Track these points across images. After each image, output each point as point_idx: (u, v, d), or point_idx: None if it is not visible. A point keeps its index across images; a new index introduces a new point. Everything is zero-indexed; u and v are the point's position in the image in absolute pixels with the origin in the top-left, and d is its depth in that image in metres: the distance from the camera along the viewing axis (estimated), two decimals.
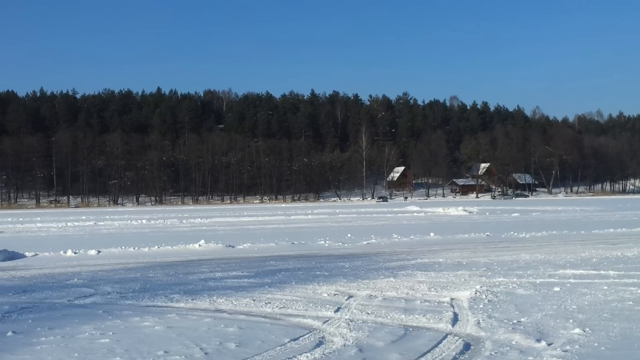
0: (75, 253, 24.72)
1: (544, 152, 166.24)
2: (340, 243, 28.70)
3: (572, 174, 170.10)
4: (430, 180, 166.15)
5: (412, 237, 31.37)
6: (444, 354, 8.63)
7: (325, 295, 13.58)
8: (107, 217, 68.43)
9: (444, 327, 10.28)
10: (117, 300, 13.46)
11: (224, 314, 11.71)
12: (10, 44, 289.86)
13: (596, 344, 8.96)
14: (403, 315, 11.21)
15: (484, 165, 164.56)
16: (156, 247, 26.80)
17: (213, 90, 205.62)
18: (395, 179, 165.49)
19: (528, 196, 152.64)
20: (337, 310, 11.76)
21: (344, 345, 9.13)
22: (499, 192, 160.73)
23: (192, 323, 10.91)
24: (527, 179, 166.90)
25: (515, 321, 10.56)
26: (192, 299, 13.32)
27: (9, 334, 10.24)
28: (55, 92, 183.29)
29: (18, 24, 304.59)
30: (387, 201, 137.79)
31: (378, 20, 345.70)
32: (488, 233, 33.29)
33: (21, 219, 65.86)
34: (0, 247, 24.87)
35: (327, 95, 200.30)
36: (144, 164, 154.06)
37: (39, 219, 66.33)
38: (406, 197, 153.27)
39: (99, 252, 25.14)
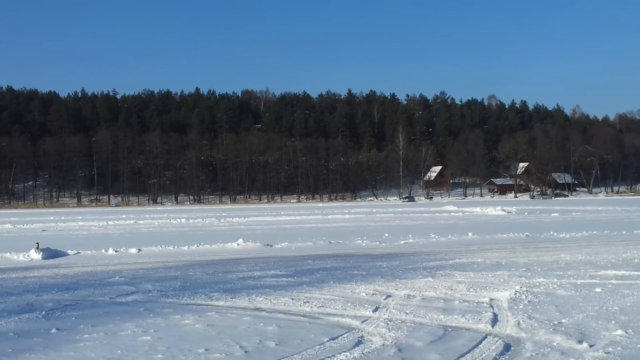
0: (116, 251, 25.09)
1: (584, 151, 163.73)
2: (377, 242, 28.67)
3: (612, 174, 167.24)
4: (467, 180, 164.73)
5: (450, 236, 31.17)
6: (484, 355, 8.59)
7: (364, 294, 13.60)
8: (147, 215, 69.25)
9: (484, 327, 10.23)
10: (158, 298, 13.65)
11: (263, 313, 11.81)
12: (53, 45, 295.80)
13: (639, 346, 8.84)
14: (442, 316, 11.18)
15: (522, 165, 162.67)
16: (195, 245, 27.07)
17: (250, 90, 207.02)
18: (432, 178, 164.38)
19: (568, 196, 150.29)
20: (375, 310, 11.78)
21: (383, 344, 9.15)
22: (537, 191, 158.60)
23: (231, 321, 11.03)
24: (567, 178, 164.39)
25: (556, 322, 10.47)
26: (231, 298, 13.44)
27: (53, 330, 10.47)
28: (96, 93, 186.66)
29: (60, 26, 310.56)
30: (414, 201, 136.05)
31: (415, 20, 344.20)
32: (527, 233, 32.93)
33: (63, 218, 66.95)
34: (44, 245, 25.35)
35: (364, 94, 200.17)
36: (182, 163, 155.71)
37: (80, 217, 67.37)
38: (431, 197, 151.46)
39: (139, 250, 25.48)
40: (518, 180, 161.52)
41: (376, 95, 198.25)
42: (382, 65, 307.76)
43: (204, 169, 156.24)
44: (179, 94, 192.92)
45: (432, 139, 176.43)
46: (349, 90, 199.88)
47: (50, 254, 24.04)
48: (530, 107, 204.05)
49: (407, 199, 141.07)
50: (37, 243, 25.19)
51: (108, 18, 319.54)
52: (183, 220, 55.71)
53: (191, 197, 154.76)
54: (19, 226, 50.11)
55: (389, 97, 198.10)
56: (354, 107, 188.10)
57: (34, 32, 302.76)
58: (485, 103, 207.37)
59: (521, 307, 11.86)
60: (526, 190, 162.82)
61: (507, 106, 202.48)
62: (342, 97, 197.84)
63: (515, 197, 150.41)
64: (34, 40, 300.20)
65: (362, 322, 10.76)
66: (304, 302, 12.68)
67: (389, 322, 10.66)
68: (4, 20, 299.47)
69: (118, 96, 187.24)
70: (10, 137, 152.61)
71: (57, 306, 12.89)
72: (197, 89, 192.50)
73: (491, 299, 12.74)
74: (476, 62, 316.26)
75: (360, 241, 29.20)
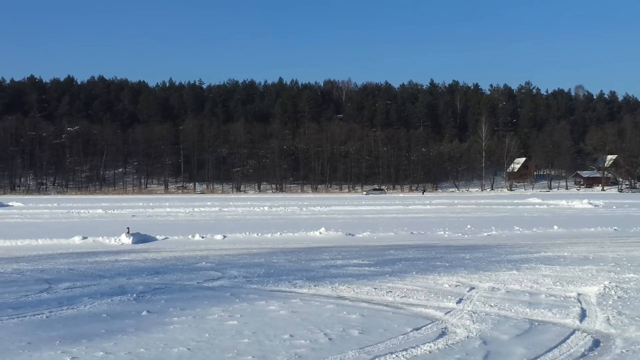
0: (202, 237, 25.73)
1: None
2: (459, 234, 28.38)
3: None
4: (552, 172, 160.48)
5: (534, 229, 30.56)
6: (572, 350, 8.44)
7: (447, 286, 13.52)
8: (231, 203, 70.53)
9: (571, 322, 10.04)
10: (243, 284, 13.93)
11: (346, 301, 11.90)
12: (143, 37, 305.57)
13: None
14: (527, 309, 11.02)
15: (610, 157, 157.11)
16: (278, 233, 27.45)
17: (333, 80, 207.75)
18: (515, 170, 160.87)
19: None
20: (459, 302, 11.70)
21: (467, 336, 9.09)
22: (626, 185, 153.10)
23: (315, 309, 11.16)
24: None
25: None
26: (314, 285, 13.59)
27: (144, 313, 10.85)
28: (183, 82, 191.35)
29: (149, 18, 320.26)
30: (385, 193, 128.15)
31: (500, 8, 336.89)
32: (615, 227, 31.94)
33: (151, 204, 68.94)
34: (133, 230, 26.21)
35: (446, 84, 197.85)
36: (265, 152, 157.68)
37: (167, 204, 69.21)
38: (424, 191, 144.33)
39: (224, 237, 26.04)
40: (606, 173, 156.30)
41: (459, 86, 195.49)
42: (465, 55, 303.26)
43: (286, 158, 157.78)
44: (262, 84, 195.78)
45: (516, 130, 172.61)
46: (431, 81, 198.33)
47: (140, 238, 24.85)
48: (620, 98, 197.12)
49: (375, 191, 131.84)
50: (128, 228, 26.09)
51: (195, 11, 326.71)
52: (266, 208, 56.50)
53: (273, 186, 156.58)
54: (110, 211, 51.98)
55: (472, 87, 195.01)
56: (436, 97, 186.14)
57: (123, 25, 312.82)
58: (572, 93, 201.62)
59: (610, 302, 11.56)
60: (614, 183, 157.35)
61: (595, 97, 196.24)
62: (424, 87, 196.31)
63: (603, 190, 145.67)
64: (124, 32, 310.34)
65: (446, 313, 10.72)
66: (387, 292, 12.70)
67: (473, 314, 10.58)
68: (98, 15, 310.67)
69: (204, 86, 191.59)
70: (101, 125, 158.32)
71: (147, 289, 13.33)
72: (280, 79, 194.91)
73: (579, 294, 12.47)
74: (563, 51, 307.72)
75: (442, 232, 28.98)
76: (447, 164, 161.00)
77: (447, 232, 28.91)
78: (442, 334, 9.27)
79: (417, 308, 11.22)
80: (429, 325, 9.78)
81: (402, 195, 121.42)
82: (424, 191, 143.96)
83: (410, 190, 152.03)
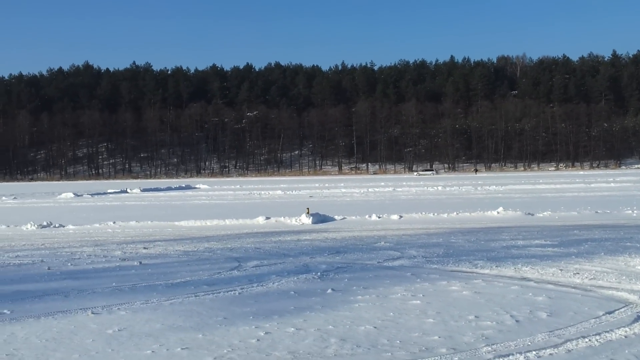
0: (379, 217, 25.99)
1: None
2: None
3: None
4: None
5: None
6: None
7: (639, 268, 12.79)
8: (404, 183, 70.72)
9: None
10: (423, 264, 13.95)
11: (531, 283, 11.58)
12: (317, 24, 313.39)
13: None
14: None
15: None
16: (454, 213, 27.14)
17: (506, 56, 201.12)
18: None
19: None
20: None
21: None
22: None
23: (499, 290, 10.96)
24: None
25: None
26: (496, 266, 13.34)
27: (329, 291, 11.16)
28: (355, 65, 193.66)
29: (324, 7, 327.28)
30: (437, 174, 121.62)
31: None
32: None
33: (327, 185, 70.68)
34: (313, 210, 27.00)
35: (630, 55, 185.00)
36: (437, 131, 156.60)
37: (342, 184, 70.64)
38: (476, 171, 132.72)
39: (400, 217, 26.15)
40: None
41: None
42: None
43: (459, 137, 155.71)
44: (433, 63, 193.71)
45: None
46: (614, 52, 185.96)
47: (319, 218, 25.56)
48: None
49: (427, 172, 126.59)
50: (308, 208, 26.92)
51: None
52: (439, 188, 56.11)
53: (446, 165, 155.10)
54: (288, 192, 53.94)
55: None
56: (619, 69, 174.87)
57: (298, 12, 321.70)
58: None
59: None
60: None
61: None
62: (605, 58, 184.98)
63: None
64: (298, 18, 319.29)
65: None
66: (574, 274, 12.22)
67: None
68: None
69: (375, 68, 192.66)
70: (278, 110, 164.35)
71: (330, 268, 13.68)
72: (452, 57, 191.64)
73: None
74: None
75: (630, 211, 27.30)
76: (632, 139, 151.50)
77: (636, 212, 27.20)
78: (638, 318, 8.78)
79: (608, 291, 10.69)
80: (623, 309, 9.30)
81: (453, 175, 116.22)
82: (476, 170, 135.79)
83: (591, 167, 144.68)
